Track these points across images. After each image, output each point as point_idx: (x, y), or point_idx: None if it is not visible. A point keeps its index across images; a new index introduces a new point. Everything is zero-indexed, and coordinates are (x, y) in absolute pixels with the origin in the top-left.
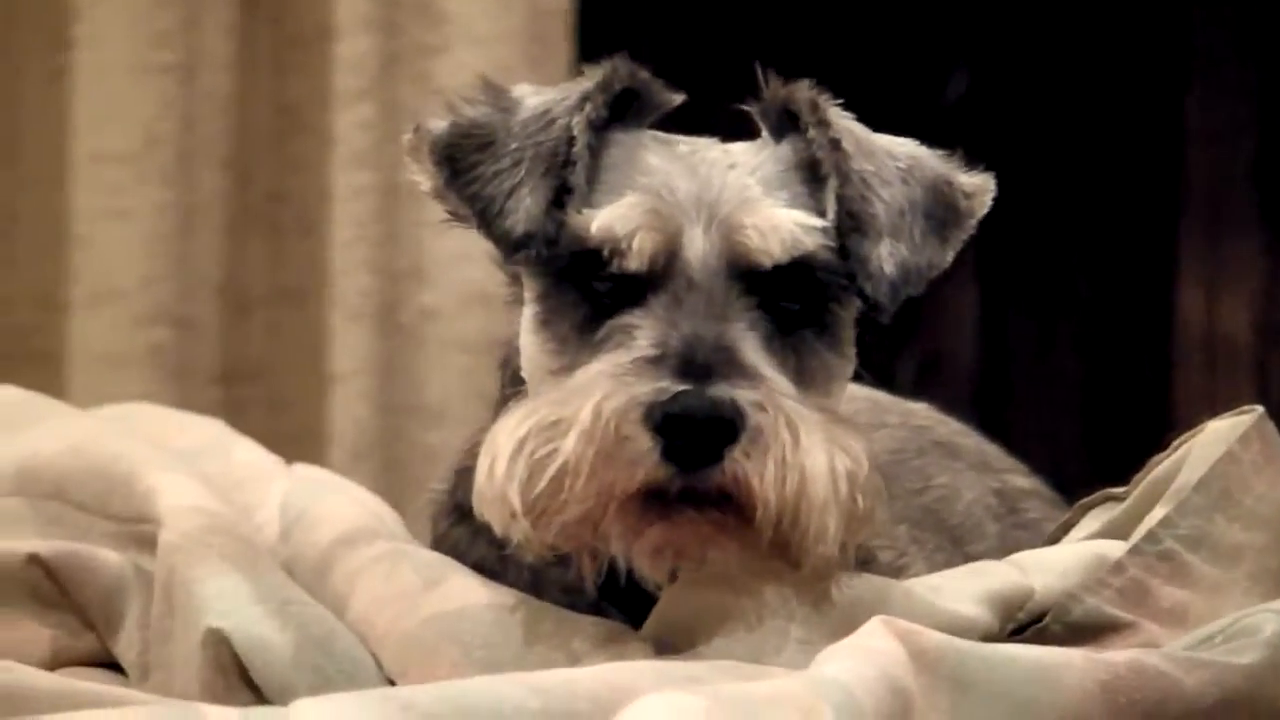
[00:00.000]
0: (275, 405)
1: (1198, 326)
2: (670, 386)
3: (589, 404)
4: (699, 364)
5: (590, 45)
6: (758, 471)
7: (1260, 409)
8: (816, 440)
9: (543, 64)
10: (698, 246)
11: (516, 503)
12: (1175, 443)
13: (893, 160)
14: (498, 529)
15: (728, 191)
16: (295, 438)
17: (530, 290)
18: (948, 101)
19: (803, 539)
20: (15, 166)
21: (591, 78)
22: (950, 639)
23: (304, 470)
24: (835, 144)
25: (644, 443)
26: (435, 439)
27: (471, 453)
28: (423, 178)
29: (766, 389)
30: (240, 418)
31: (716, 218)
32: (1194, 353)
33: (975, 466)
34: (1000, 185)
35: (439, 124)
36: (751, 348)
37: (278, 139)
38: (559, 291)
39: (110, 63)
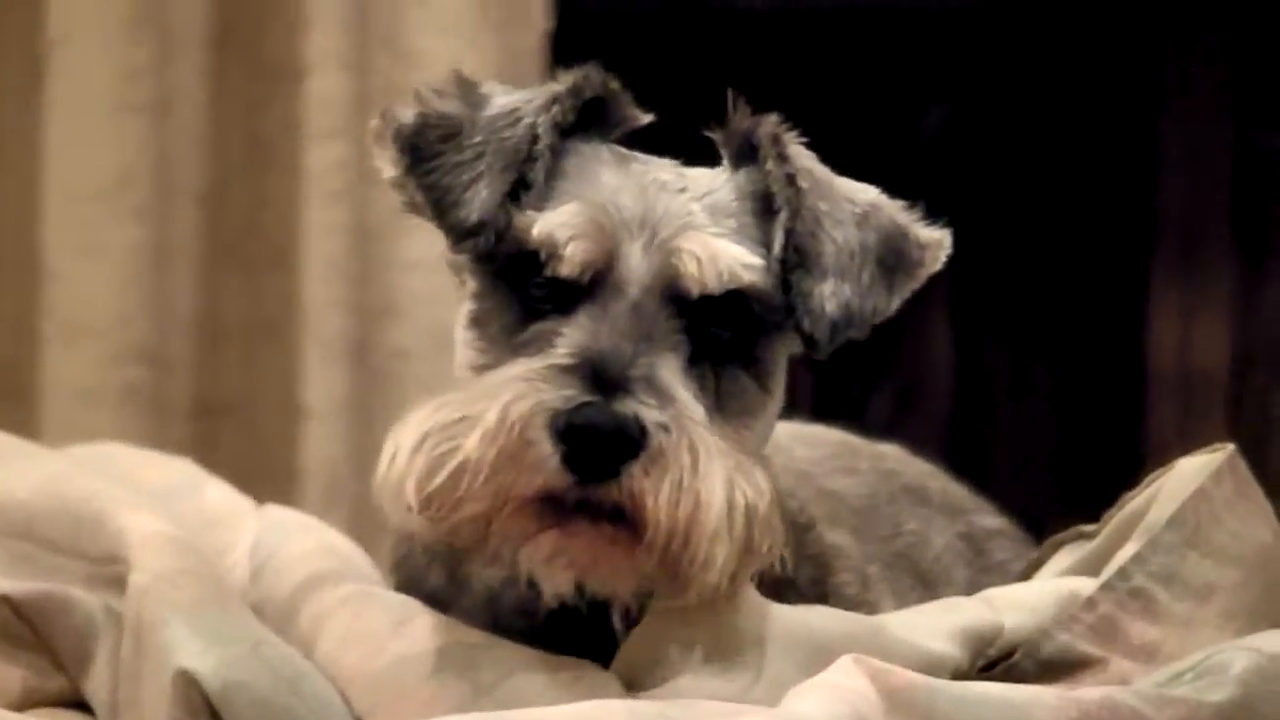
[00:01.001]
0: (249, 440)
1: (1172, 357)
2: (577, 396)
3: (496, 405)
4: (611, 378)
5: None
6: (653, 491)
7: (1232, 446)
8: (717, 468)
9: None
10: (635, 264)
11: (412, 496)
12: (1147, 480)
13: (850, 204)
14: (393, 519)
15: (671, 214)
16: (269, 473)
17: (470, 287)
18: (925, 133)
19: (690, 564)
20: None
21: (564, 81)
22: (921, 677)
23: (274, 511)
24: (790, 179)
25: (545, 449)
26: None
27: None
28: (385, 164)
29: (675, 411)
30: (214, 453)
31: (656, 238)
32: (1168, 384)
33: (942, 510)
34: (975, 217)
35: (407, 113)
36: (670, 369)
37: (251, 175)
38: (495, 291)
39: (84, 99)
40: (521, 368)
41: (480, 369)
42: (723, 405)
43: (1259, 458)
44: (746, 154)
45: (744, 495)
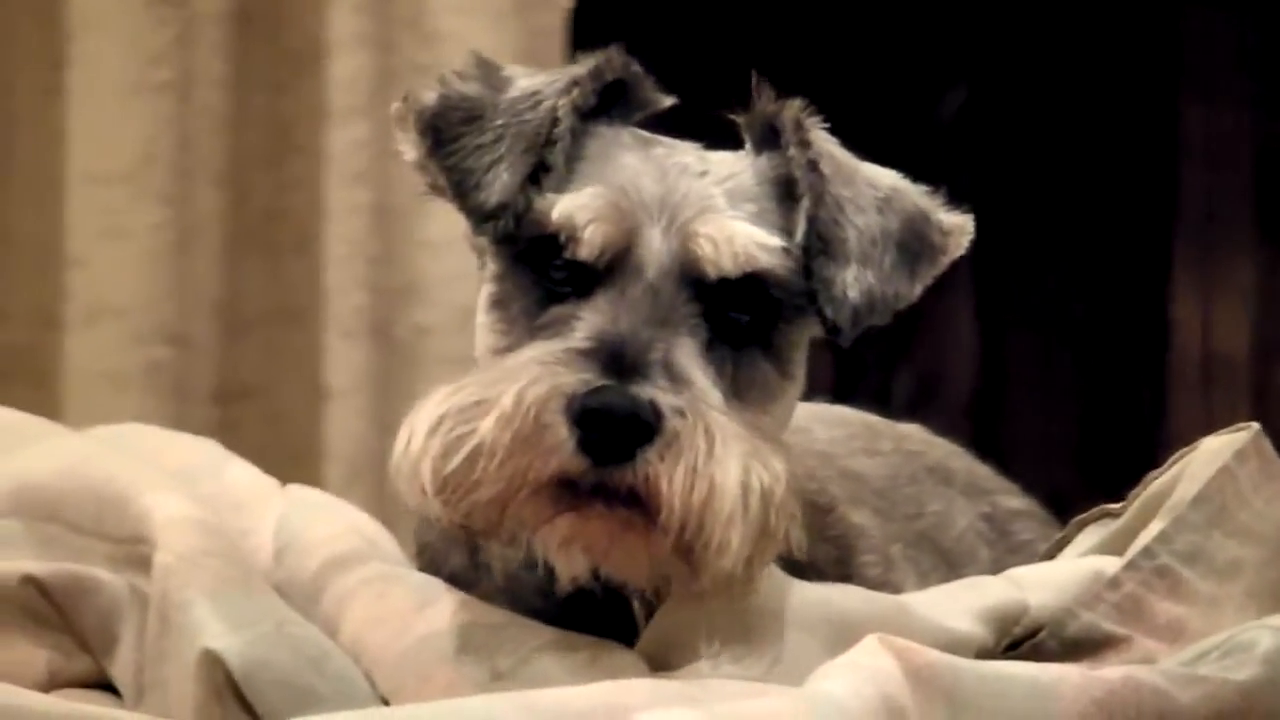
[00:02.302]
0: (272, 422)
1: (1194, 343)
2: (594, 380)
3: (512, 388)
4: (628, 362)
5: None
6: (667, 475)
7: (1257, 426)
8: (733, 452)
9: None
10: (654, 247)
11: (428, 478)
12: (1171, 459)
13: (872, 189)
14: (409, 502)
15: (691, 197)
16: (292, 454)
17: (491, 269)
18: (944, 117)
19: (704, 549)
20: (9, 185)
21: (584, 64)
22: (946, 656)
23: (298, 491)
24: (813, 165)
25: (561, 432)
26: None
27: None
28: (407, 147)
29: (691, 396)
30: (237, 435)
31: (676, 222)
32: (1190, 369)
33: (966, 491)
34: (995, 201)
35: (429, 95)
36: (687, 354)
37: (273, 157)
38: (515, 273)
39: (105, 81)
40: (538, 351)
41: (500, 351)
42: (740, 390)
43: None
44: (769, 138)
45: (759, 480)
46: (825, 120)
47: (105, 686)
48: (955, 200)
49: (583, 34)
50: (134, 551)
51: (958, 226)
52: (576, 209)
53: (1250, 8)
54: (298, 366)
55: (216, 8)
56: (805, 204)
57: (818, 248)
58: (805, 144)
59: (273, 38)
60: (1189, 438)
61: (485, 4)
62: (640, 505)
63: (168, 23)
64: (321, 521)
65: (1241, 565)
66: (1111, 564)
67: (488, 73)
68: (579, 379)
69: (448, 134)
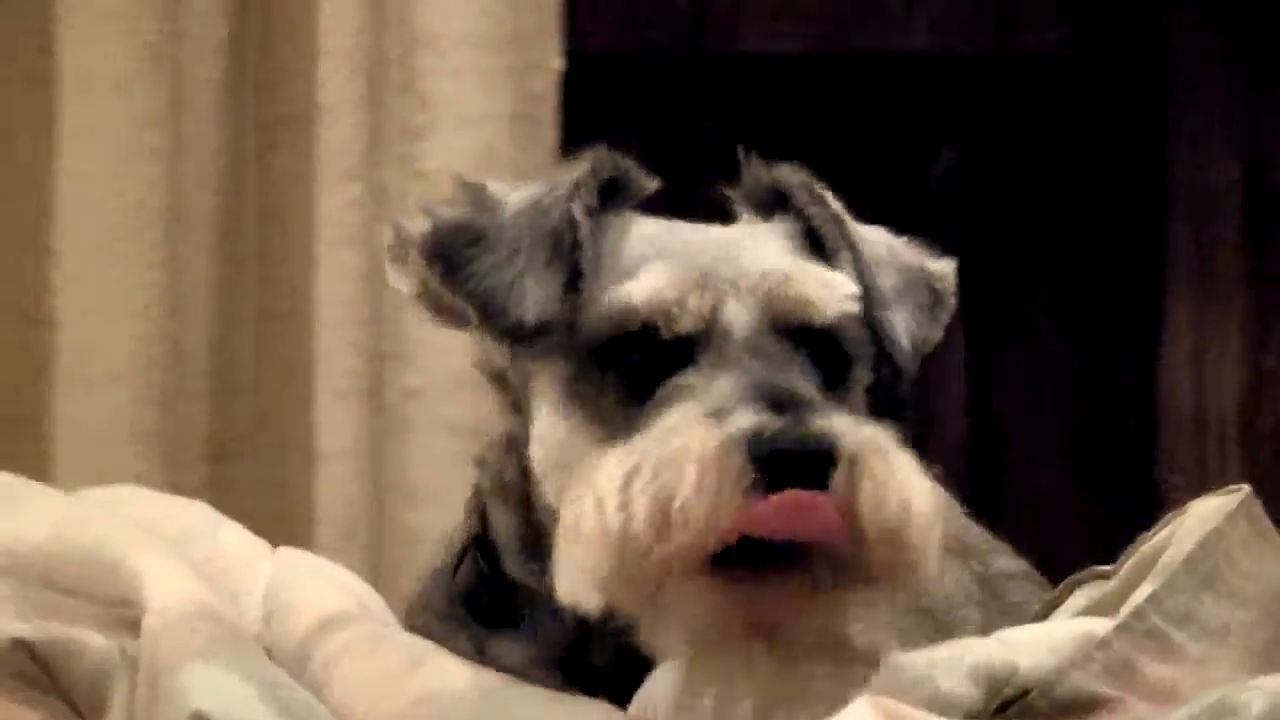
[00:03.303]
0: (263, 484)
1: (1185, 397)
2: (768, 420)
3: (692, 439)
4: (783, 401)
5: (574, 127)
6: (864, 495)
7: (1247, 488)
8: (910, 469)
9: (529, 146)
10: (734, 307)
11: (616, 532)
12: (1162, 521)
13: (873, 242)
14: (589, 579)
15: (754, 256)
16: (283, 517)
17: (546, 376)
18: (935, 176)
19: (909, 556)
20: None
21: (576, 168)
22: (936, 718)
23: (287, 554)
24: (838, 219)
25: (749, 478)
26: (418, 520)
27: (450, 550)
28: (405, 280)
29: (845, 424)
30: (228, 496)
31: (747, 283)
32: (1181, 423)
33: (957, 552)
34: (986, 256)
35: (420, 223)
36: (814, 391)
37: (265, 222)
38: (587, 371)
39: (96, 147)
40: (689, 410)
41: (603, 441)
42: None
43: (1273, 496)
44: (770, 204)
45: (935, 494)
46: (815, 175)
47: None
48: (948, 253)
49: (572, 97)
50: (124, 615)
51: (947, 272)
52: (664, 285)
53: (1237, 58)
54: (289, 428)
55: (207, 72)
56: (846, 255)
57: (870, 298)
58: (821, 201)
59: (263, 100)
60: (1180, 491)
61: (477, 67)
62: (806, 565)
63: (159, 89)
64: (311, 584)
65: (1233, 627)
66: (1102, 625)
67: (476, 195)
68: (755, 421)
69: (458, 258)
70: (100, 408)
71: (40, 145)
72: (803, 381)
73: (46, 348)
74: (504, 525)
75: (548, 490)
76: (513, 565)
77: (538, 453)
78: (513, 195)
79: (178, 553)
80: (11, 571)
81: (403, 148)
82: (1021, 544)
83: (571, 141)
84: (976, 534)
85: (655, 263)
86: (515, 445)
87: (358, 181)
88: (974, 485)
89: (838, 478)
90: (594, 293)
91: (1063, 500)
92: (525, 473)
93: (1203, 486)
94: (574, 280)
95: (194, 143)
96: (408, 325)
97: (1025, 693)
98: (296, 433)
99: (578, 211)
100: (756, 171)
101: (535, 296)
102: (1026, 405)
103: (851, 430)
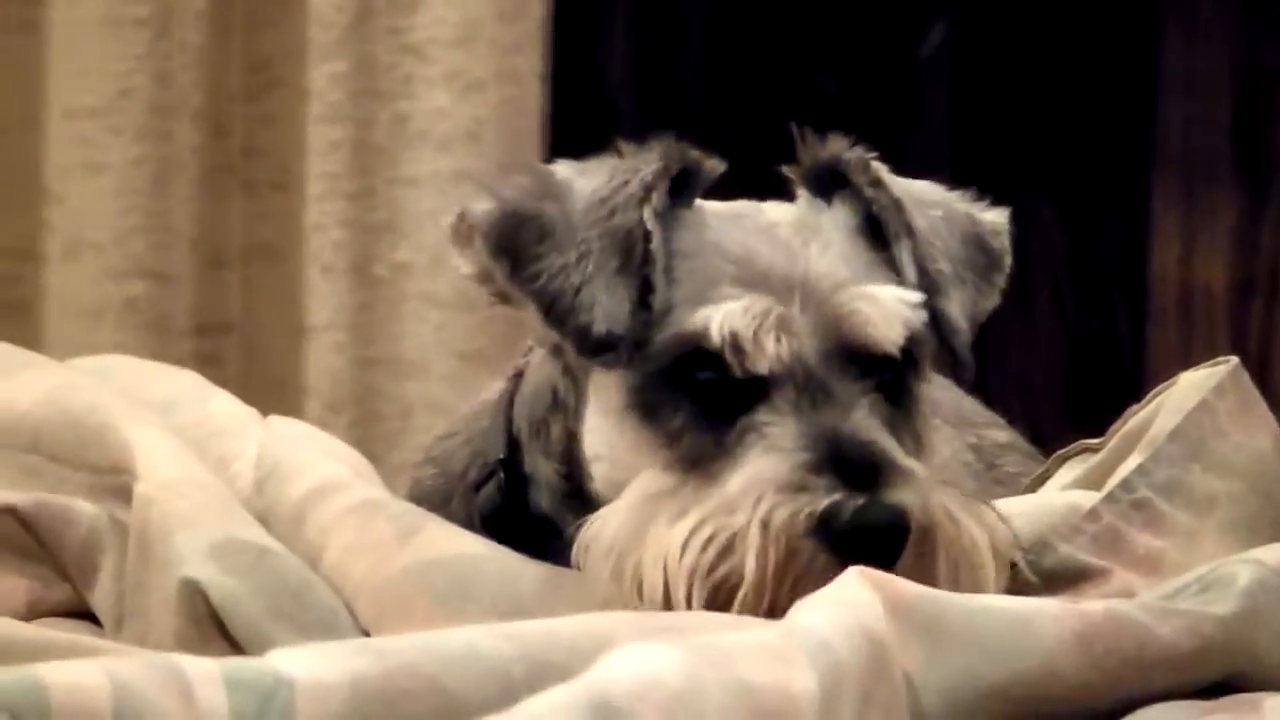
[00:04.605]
0: (251, 358)
1: (1173, 279)
2: (845, 499)
3: (757, 517)
4: (855, 468)
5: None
6: (936, 566)
7: (1235, 359)
8: (971, 521)
9: (517, 19)
10: (808, 344)
11: (666, 598)
12: (1151, 394)
13: (930, 208)
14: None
15: (822, 270)
16: (271, 390)
17: (610, 377)
18: (924, 54)
19: None
20: None
21: (646, 161)
22: (925, 589)
23: (279, 422)
24: (898, 205)
25: (820, 559)
26: (410, 391)
27: (472, 461)
28: (469, 264)
29: (917, 484)
30: (216, 370)
31: (814, 300)
32: (1170, 305)
33: (952, 422)
34: (973, 136)
35: (483, 206)
36: (885, 438)
37: (251, 93)
38: (655, 385)
39: (83, 16)
40: (763, 468)
41: (671, 467)
42: (916, 448)
43: (1262, 379)
44: (828, 185)
45: (1001, 540)
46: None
47: (86, 615)
48: (933, 134)
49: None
50: (115, 482)
51: (1001, 225)
52: (741, 325)
53: None
54: (276, 302)
55: None
56: (906, 244)
57: (925, 286)
58: (880, 183)
59: None
60: (1168, 372)
61: None
62: None
63: None
64: (304, 450)
65: (1219, 498)
66: (1090, 497)
67: (542, 180)
68: (830, 501)
69: (525, 254)
70: (89, 280)
71: (26, 13)
72: (873, 425)
73: (35, 220)
74: (542, 471)
75: (597, 476)
76: (546, 503)
77: (592, 444)
78: (579, 182)
79: (168, 420)
80: (3, 440)
81: (389, 21)
82: (1012, 419)
83: (560, 16)
84: (970, 406)
85: (728, 289)
86: (562, 408)
87: (344, 55)
88: None
89: (909, 551)
90: (665, 311)
91: (1052, 384)
92: (571, 436)
93: (1191, 368)
94: (644, 293)
95: (179, 12)
96: (395, 199)
97: (1012, 565)
98: (284, 306)
99: (649, 219)
100: (813, 150)
101: (605, 307)
102: (1016, 289)
103: (924, 494)
